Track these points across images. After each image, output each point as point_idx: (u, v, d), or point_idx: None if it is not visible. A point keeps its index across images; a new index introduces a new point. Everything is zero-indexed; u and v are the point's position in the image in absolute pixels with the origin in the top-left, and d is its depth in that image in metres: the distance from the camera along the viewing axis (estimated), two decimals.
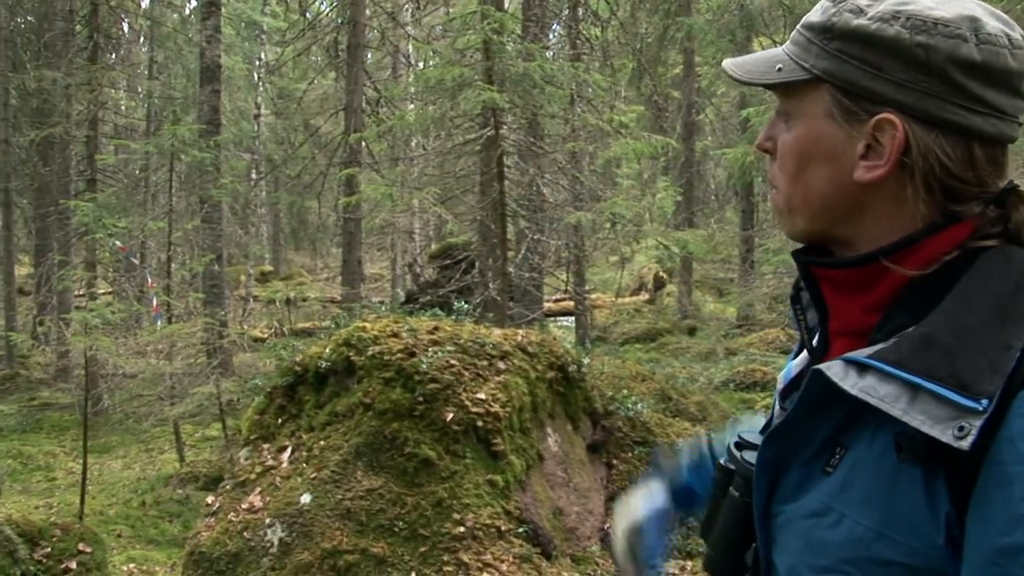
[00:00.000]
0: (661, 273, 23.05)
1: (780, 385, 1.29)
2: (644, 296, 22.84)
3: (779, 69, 1.15)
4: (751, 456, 1.25)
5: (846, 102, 1.09)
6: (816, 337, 1.23)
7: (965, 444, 0.90)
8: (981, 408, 0.92)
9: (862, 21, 1.08)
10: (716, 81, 21.82)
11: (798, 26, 1.20)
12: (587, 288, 17.52)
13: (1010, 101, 1.07)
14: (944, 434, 0.92)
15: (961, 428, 0.91)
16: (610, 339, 18.06)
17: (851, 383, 1.01)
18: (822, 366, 1.05)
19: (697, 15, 18.76)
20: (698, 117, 20.82)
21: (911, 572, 0.98)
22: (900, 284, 1.08)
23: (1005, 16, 1.10)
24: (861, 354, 1.03)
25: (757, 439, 1.27)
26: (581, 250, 13.66)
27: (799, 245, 1.25)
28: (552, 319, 18.70)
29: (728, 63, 1.22)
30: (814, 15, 1.15)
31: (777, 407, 1.28)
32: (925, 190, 1.07)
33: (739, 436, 1.32)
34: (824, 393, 1.06)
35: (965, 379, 0.94)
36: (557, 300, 20.19)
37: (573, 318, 17.06)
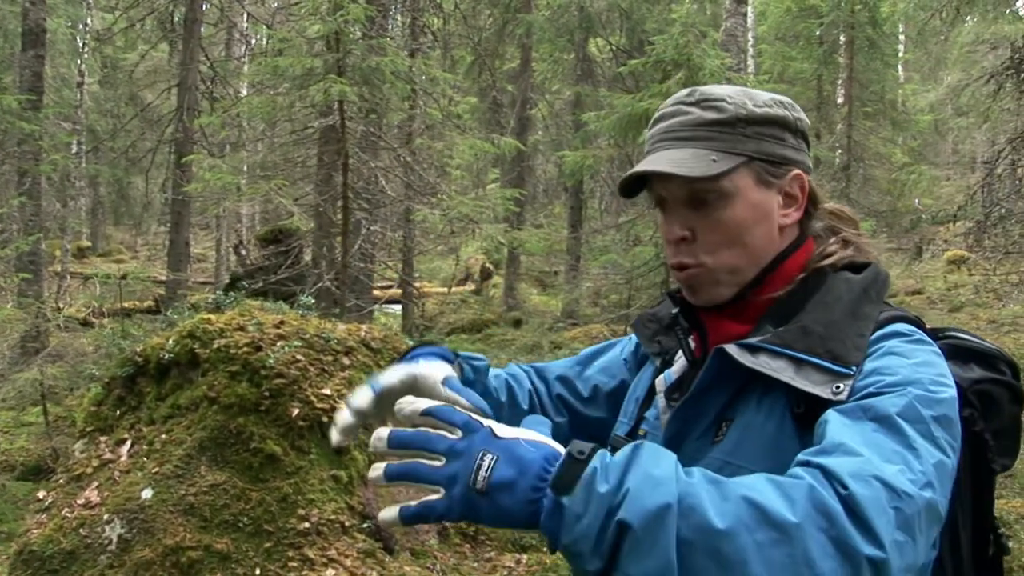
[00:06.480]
0: (488, 264, 23.31)
1: (662, 388, 1.56)
2: (471, 287, 23.01)
3: (715, 160, 1.40)
4: None
5: (771, 169, 1.43)
6: (695, 349, 1.55)
7: (843, 397, 1.23)
8: (852, 373, 1.27)
9: (762, 108, 1.43)
10: (551, 78, 22.19)
11: (690, 127, 1.43)
12: (415, 276, 17.60)
13: None
14: (824, 392, 1.25)
15: (837, 387, 1.25)
16: (437, 328, 18.16)
17: (748, 360, 1.32)
18: (723, 346, 1.36)
19: (537, 12, 19.05)
20: (531, 111, 21.12)
21: None
22: (766, 303, 1.45)
23: None
24: (752, 340, 1.36)
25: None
26: (413, 240, 13.72)
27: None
28: (379, 306, 18.65)
29: (665, 167, 1.40)
30: (709, 114, 1.42)
31: (662, 403, 1.54)
32: (808, 219, 1.50)
33: (614, 434, 1.61)
34: (724, 368, 1.36)
35: (838, 354, 1.29)
36: (384, 288, 20.12)
37: (400, 306, 17.07)
